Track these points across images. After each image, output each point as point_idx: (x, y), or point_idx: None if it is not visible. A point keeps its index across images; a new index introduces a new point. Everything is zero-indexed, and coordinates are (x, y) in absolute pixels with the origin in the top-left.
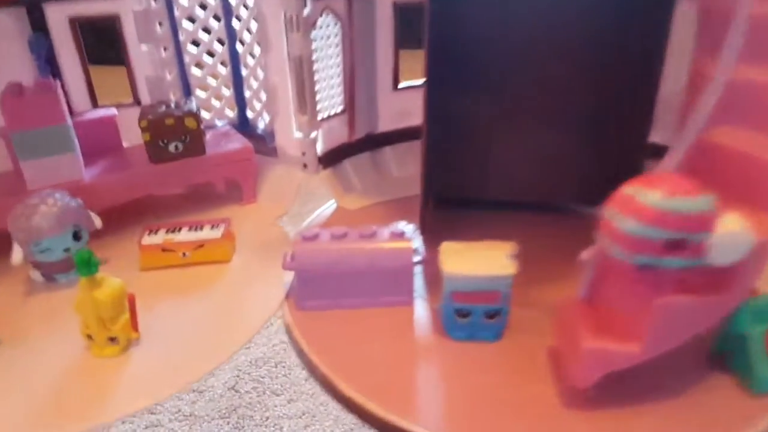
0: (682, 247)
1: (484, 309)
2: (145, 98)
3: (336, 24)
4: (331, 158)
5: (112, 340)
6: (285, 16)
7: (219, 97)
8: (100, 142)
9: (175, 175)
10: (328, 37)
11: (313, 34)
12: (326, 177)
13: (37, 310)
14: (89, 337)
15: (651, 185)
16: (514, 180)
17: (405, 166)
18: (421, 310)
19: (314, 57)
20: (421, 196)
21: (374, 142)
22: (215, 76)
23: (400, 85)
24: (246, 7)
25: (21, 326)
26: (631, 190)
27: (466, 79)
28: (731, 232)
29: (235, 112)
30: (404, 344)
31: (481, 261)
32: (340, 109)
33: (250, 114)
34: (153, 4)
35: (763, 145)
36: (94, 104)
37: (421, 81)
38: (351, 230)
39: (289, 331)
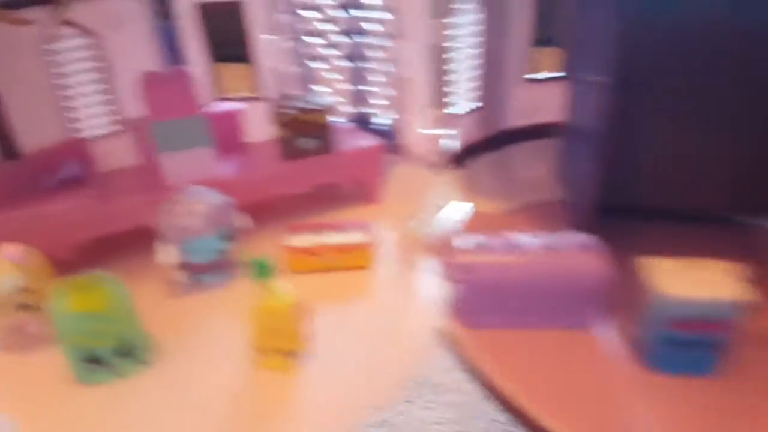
0: None
1: (704, 339)
2: (267, 93)
3: (476, 9)
4: (462, 156)
5: (284, 353)
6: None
7: (338, 92)
8: (226, 136)
9: (307, 174)
10: (467, 24)
11: (454, 20)
12: (457, 177)
13: (190, 313)
14: (258, 348)
15: None
16: (689, 189)
17: (536, 166)
18: (609, 334)
19: (451, 44)
20: (586, 204)
21: (504, 139)
22: (335, 70)
23: (537, 76)
24: None
25: (178, 331)
26: None
27: (649, 78)
28: None
29: (353, 107)
30: (601, 374)
31: (704, 283)
32: (474, 103)
33: (369, 109)
34: None
35: None
36: (218, 97)
37: (557, 74)
38: (527, 239)
39: (458, 350)
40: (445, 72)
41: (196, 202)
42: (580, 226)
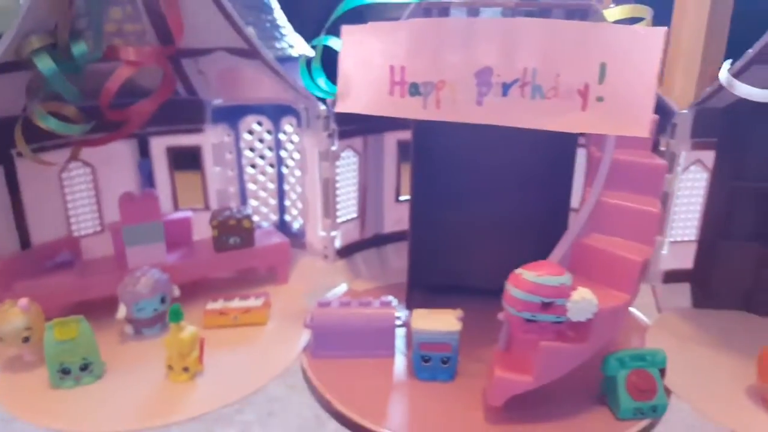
0: (551, 307)
1: (440, 356)
2: (213, 204)
3: (354, 156)
4: (346, 252)
5: (186, 369)
6: (319, 151)
7: (266, 205)
8: (178, 235)
9: (232, 261)
10: (348, 165)
11: (338, 163)
12: (341, 266)
13: (129, 353)
14: (170, 367)
15: (532, 268)
16: (477, 270)
17: (402, 259)
18: (399, 359)
19: (337, 178)
20: (408, 281)
21: (380, 240)
22: (264, 190)
23: (401, 198)
24: (292, 142)
25: (118, 364)
26: (520, 270)
27: (441, 192)
28: (581, 299)
29: (277, 216)
30: (387, 382)
31: (439, 321)
32: (354, 215)
33: (287, 218)
34: (225, 138)
35: (617, 245)
36: (175, 207)
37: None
38: (353, 300)
39: (304, 372)
40: (334, 193)
41: (146, 275)
42: (406, 299)
